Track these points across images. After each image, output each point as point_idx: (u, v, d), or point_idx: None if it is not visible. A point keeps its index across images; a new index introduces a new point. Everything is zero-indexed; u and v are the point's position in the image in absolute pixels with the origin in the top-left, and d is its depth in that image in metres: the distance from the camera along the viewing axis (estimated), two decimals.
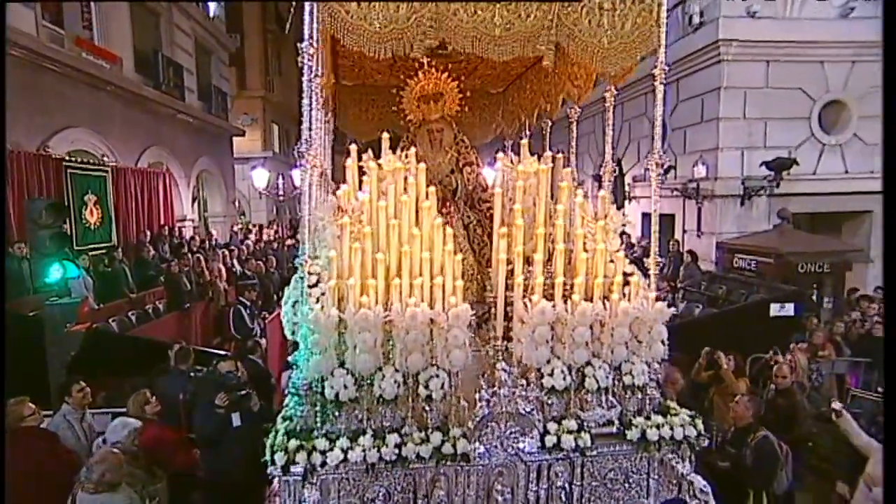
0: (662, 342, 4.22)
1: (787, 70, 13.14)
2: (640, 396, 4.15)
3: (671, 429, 4.03)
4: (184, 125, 17.87)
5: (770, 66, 13.17)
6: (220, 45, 21.96)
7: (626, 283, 4.21)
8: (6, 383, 5.00)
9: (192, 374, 7.12)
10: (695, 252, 13.69)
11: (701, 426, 4.15)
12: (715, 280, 12.74)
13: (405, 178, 4.31)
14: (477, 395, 3.77)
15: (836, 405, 5.80)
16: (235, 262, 15.07)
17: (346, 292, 3.76)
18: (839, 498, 5.86)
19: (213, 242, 17.05)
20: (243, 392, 5.85)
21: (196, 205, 19.34)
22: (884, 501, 3.62)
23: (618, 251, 4.41)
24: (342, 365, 3.69)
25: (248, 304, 11.39)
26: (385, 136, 4.59)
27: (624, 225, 4.64)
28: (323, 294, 3.76)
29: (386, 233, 4.06)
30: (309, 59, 3.73)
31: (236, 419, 5.63)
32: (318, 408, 3.71)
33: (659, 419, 4.07)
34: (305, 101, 3.83)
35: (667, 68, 4.24)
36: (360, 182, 4.43)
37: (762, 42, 12.93)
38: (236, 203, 23.48)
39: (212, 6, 20.90)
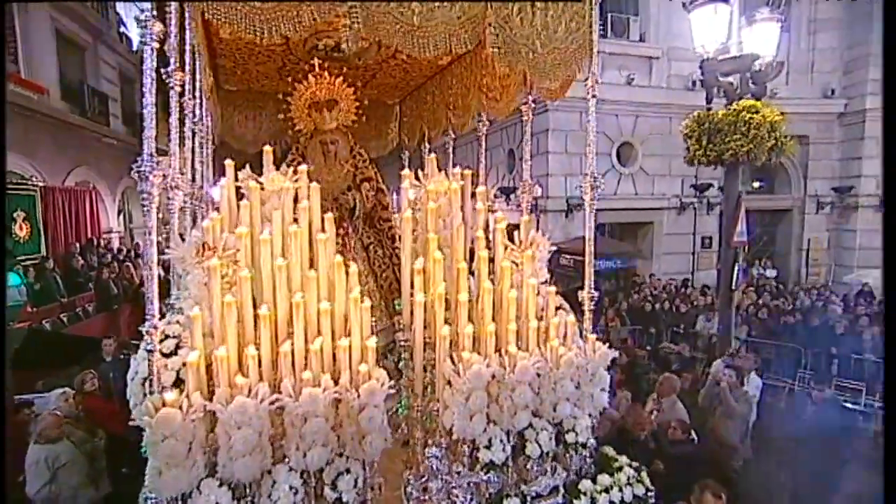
0: (603, 389, 2.72)
1: (594, 119, 12.56)
2: (583, 454, 2.64)
3: (620, 490, 2.60)
4: (109, 148, 14.45)
5: (582, 115, 12.36)
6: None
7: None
8: None
9: (121, 356, 6.24)
10: None
11: (647, 480, 2.72)
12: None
13: (295, 202, 2.54)
14: (401, 492, 2.07)
15: None
16: (160, 268, 12.21)
17: (216, 367, 1.92)
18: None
19: (139, 251, 13.93)
20: None
21: (122, 217, 15.87)
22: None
23: (545, 283, 2.85)
24: (213, 473, 1.87)
25: None
26: (267, 148, 2.72)
27: (550, 252, 2.98)
28: (185, 365, 1.91)
29: (271, 277, 2.23)
30: (152, 39, 1.85)
31: None
32: None
33: (606, 479, 2.62)
34: (147, 99, 1.97)
35: (602, 79, 2.80)
36: (240, 208, 2.55)
37: (575, 98, 11.99)
38: (160, 215, 19.73)
39: (135, 40, 17.32)
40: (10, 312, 7.53)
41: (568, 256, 12.41)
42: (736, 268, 7.05)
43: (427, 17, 2.34)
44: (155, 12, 2.01)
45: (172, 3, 2.42)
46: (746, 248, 14.13)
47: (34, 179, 11.18)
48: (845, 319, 8.81)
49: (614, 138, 12.83)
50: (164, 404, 1.81)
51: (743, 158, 6.43)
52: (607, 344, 2.75)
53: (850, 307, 9.98)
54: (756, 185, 14.12)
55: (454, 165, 3.43)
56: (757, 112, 6.31)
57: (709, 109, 6.68)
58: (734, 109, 6.43)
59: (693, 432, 4.39)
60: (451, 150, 4.39)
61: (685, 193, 13.21)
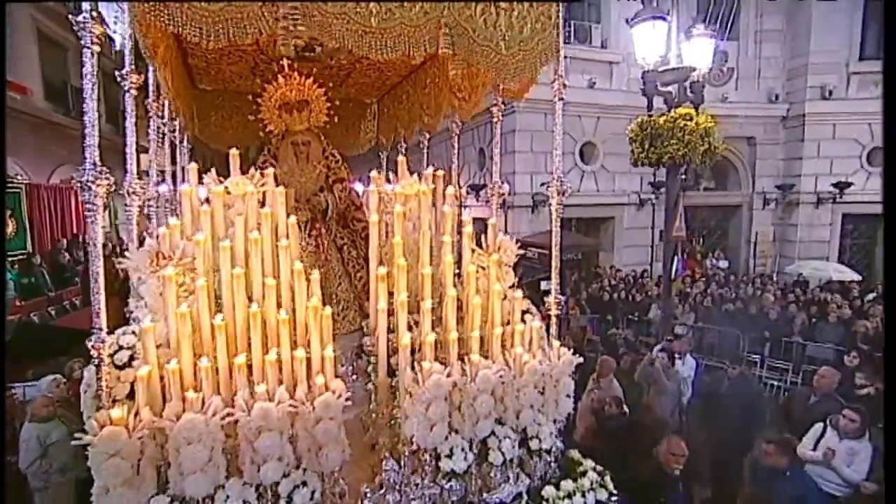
0: (568, 396, 2.56)
1: (561, 121, 12.63)
2: (547, 460, 2.49)
3: (583, 495, 2.44)
4: None
5: (546, 116, 12.47)
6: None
7: (521, 321, 2.59)
8: None
9: None
10: None
11: (610, 484, 2.57)
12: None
13: (260, 207, 2.35)
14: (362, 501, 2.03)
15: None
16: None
17: (167, 381, 1.87)
18: None
19: (124, 246, 13.54)
20: None
21: (107, 213, 15.40)
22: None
23: (512, 287, 2.68)
24: (164, 490, 1.81)
25: None
26: (234, 151, 2.51)
27: (518, 256, 2.79)
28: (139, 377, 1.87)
29: (230, 286, 2.08)
30: (92, 42, 1.80)
31: None
32: None
33: (569, 485, 2.45)
34: (88, 105, 1.85)
35: (567, 82, 2.70)
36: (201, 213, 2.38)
37: (540, 100, 11.99)
38: (145, 210, 19.12)
39: (117, 40, 16.64)
40: None
41: (532, 250, 12.72)
42: (675, 259, 7.30)
43: (386, 18, 2.07)
44: (94, 13, 1.83)
45: (125, 4, 2.24)
46: (703, 240, 14.64)
47: (19, 177, 10.92)
48: (778, 307, 9.14)
49: (577, 138, 13.00)
50: (110, 421, 1.68)
51: (679, 161, 6.74)
52: (572, 350, 2.65)
53: (785, 295, 10.35)
54: (713, 183, 14.45)
55: (428, 164, 3.28)
56: (691, 119, 6.59)
57: (650, 116, 6.87)
58: (672, 116, 6.72)
59: (625, 406, 4.74)
60: (425, 149, 4.16)
61: (643, 190, 13.49)
